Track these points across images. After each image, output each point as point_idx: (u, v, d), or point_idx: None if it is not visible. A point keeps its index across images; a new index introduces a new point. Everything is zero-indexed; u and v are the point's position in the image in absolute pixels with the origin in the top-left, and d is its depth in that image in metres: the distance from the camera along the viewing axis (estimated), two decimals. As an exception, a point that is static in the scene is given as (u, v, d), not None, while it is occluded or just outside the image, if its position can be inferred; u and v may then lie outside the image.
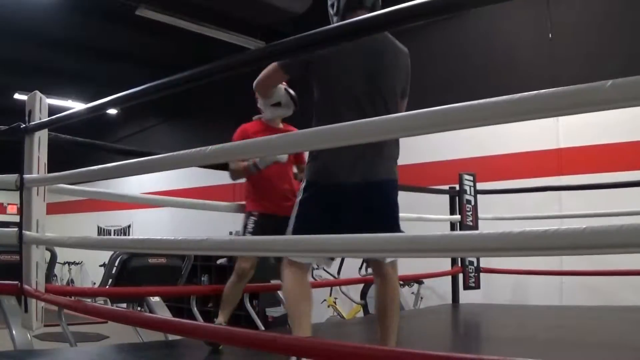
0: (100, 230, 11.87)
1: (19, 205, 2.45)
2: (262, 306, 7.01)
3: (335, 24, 1.47)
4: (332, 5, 2.28)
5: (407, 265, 5.27)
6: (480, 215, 4.84)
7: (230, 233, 8.35)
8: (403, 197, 4.02)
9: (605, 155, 5.24)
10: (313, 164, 2.20)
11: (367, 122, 1.40)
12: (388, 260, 2.19)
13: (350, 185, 2.13)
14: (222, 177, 9.85)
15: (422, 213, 4.34)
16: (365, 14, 1.90)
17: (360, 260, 5.56)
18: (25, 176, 2.38)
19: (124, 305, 4.48)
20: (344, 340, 3.02)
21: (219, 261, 8.57)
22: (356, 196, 2.14)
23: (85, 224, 11.97)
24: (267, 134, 2.77)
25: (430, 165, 3.70)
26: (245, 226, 3.18)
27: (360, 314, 6.29)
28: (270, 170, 3.10)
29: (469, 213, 4.83)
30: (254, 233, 3.08)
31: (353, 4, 2.18)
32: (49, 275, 3.66)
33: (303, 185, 2.23)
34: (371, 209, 2.15)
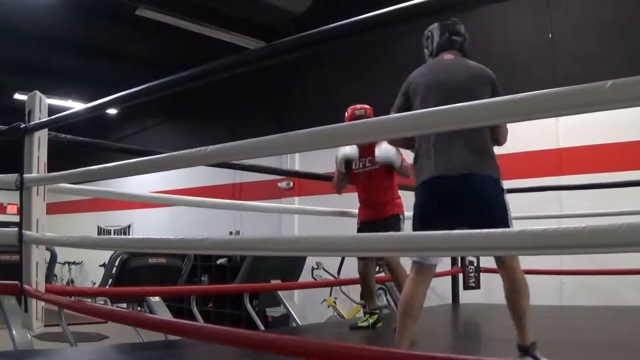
0: (100, 230, 11.87)
1: (19, 205, 2.45)
2: (262, 306, 7.00)
3: (333, 24, 1.48)
4: (427, 47, 2.52)
5: (407, 265, 5.27)
6: (480, 215, 4.83)
7: (230, 233, 8.36)
8: (404, 196, 4.03)
9: (605, 155, 5.24)
10: (414, 167, 2.40)
11: (367, 122, 1.40)
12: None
13: (435, 179, 2.26)
14: (222, 177, 9.89)
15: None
16: (455, 54, 2.41)
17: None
18: (25, 176, 2.38)
19: (124, 305, 4.48)
20: (344, 340, 3.03)
21: (219, 261, 8.58)
22: (446, 191, 2.25)
23: (85, 224, 11.97)
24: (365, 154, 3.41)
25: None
26: None
27: (360, 314, 6.29)
28: (360, 181, 3.53)
29: (469, 213, 4.82)
30: None
31: (444, 46, 2.44)
32: (49, 275, 3.66)
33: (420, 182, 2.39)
34: (461, 204, 2.24)
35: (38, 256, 2.41)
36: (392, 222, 3.37)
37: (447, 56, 2.43)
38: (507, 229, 1.15)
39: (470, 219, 2.17)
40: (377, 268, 5.29)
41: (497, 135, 2.43)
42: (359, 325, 3.41)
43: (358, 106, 3.45)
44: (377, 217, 3.44)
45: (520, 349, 2.19)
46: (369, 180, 3.52)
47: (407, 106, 2.37)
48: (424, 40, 2.54)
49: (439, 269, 5.14)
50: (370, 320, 3.45)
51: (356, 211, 4.31)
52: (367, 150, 3.43)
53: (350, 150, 3.37)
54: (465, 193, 2.23)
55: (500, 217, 2.24)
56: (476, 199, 2.24)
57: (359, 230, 3.54)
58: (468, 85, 2.31)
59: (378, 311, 3.57)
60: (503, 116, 1.24)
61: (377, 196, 3.47)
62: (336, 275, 6.50)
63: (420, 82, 2.36)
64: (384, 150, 3.25)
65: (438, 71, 2.39)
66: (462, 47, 2.47)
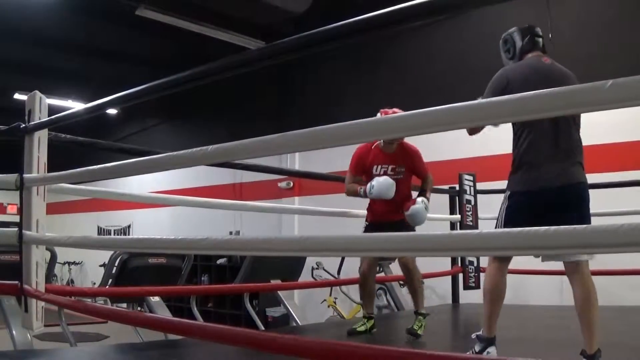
0: (100, 230, 11.87)
1: (19, 205, 2.45)
2: (262, 306, 7.00)
3: (333, 24, 1.48)
4: (507, 51, 2.62)
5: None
6: (480, 215, 4.84)
7: (231, 233, 8.36)
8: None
9: (605, 155, 5.24)
10: (514, 176, 2.49)
11: (368, 121, 1.40)
12: (581, 258, 2.30)
13: (549, 190, 2.36)
14: (222, 177, 9.89)
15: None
16: (538, 54, 2.47)
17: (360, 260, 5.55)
18: (25, 176, 2.38)
19: (124, 305, 4.47)
20: (344, 340, 3.03)
21: (219, 261, 8.58)
22: (554, 200, 2.36)
23: (85, 224, 11.97)
24: (380, 158, 3.35)
25: (430, 165, 3.70)
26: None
27: (360, 314, 6.29)
28: None
29: (469, 213, 4.83)
30: None
31: (527, 48, 2.52)
32: (49, 275, 3.66)
33: (507, 194, 2.52)
34: (567, 209, 2.37)
35: (38, 256, 2.41)
36: (407, 225, 3.28)
37: (545, 59, 2.48)
38: (507, 229, 1.15)
39: None
40: (378, 268, 5.29)
41: None
42: (357, 330, 3.39)
43: (389, 110, 3.33)
44: (391, 217, 3.33)
45: (584, 356, 2.17)
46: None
47: None
48: (502, 44, 2.65)
49: (439, 269, 5.16)
50: (368, 325, 3.42)
51: (356, 211, 4.31)
52: (390, 158, 3.36)
53: (387, 193, 3.24)
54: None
55: None
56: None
57: (367, 230, 3.44)
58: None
59: (374, 316, 3.54)
60: (505, 115, 1.24)
61: (394, 200, 3.34)
62: (336, 275, 6.50)
63: (527, 80, 2.36)
64: (416, 214, 3.25)
65: (542, 71, 2.41)
66: (544, 48, 2.54)
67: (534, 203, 2.37)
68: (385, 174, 3.33)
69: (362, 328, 3.39)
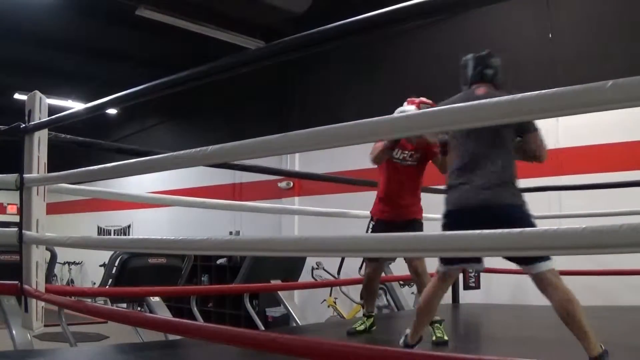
0: (100, 230, 11.87)
1: (19, 205, 2.45)
2: (262, 306, 7.01)
3: (333, 24, 1.48)
4: (462, 76, 2.67)
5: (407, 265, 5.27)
6: (480, 215, 4.82)
7: (230, 233, 8.36)
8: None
9: (605, 155, 5.24)
10: (448, 194, 2.52)
11: (369, 122, 1.40)
12: (540, 269, 2.31)
13: (477, 210, 2.40)
14: (222, 177, 9.88)
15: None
16: (487, 88, 2.52)
17: (360, 260, 5.56)
18: (25, 176, 2.37)
19: (124, 305, 4.48)
20: (344, 340, 3.03)
21: (219, 261, 8.58)
22: (482, 221, 2.31)
23: (85, 224, 11.98)
24: (402, 142, 3.28)
25: (430, 165, 3.70)
26: (367, 229, 3.41)
27: (360, 314, 6.29)
28: (391, 173, 3.35)
29: (469, 213, 4.82)
30: None
31: (476, 78, 2.59)
32: (49, 275, 3.66)
33: (443, 213, 2.53)
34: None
35: (38, 256, 2.41)
36: (416, 226, 3.27)
37: (480, 90, 2.52)
38: (508, 230, 1.15)
39: None
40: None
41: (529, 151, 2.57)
42: (357, 329, 3.38)
43: (416, 100, 3.27)
44: (399, 218, 3.30)
45: None
46: (402, 176, 3.34)
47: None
48: (461, 68, 2.69)
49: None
50: (367, 323, 3.42)
51: (356, 211, 4.31)
52: (411, 144, 3.32)
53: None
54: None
55: None
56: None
57: (375, 228, 3.37)
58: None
59: (374, 314, 3.53)
60: (504, 116, 1.24)
61: (404, 196, 3.33)
62: (336, 275, 6.50)
63: None
64: None
65: None
66: (492, 80, 2.58)
67: (458, 222, 2.44)
68: (404, 159, 3.32)
69: (362, 327, 3.39)
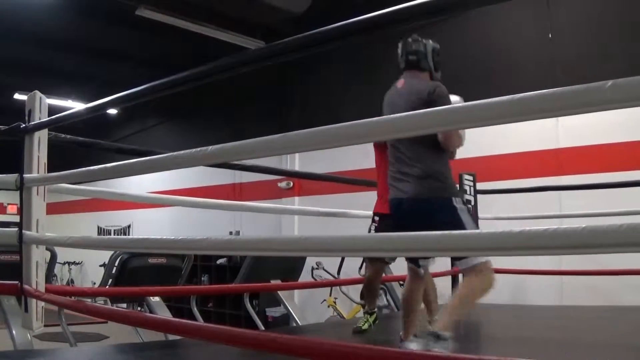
0: (100, 230, 11.87)
1: (19, 205, 2.45)
2: (262, 306, 7.00)
3: (333, 24, 1.49)
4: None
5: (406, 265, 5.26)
6: (480, 215, 4.84)
7: (230, 233, 8.36)
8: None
9: (605, 155, 5.24)
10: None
11: (369, 122, 1.40)
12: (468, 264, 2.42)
13: (395, 200, 2.48)
14: (222, 177, 9.87)
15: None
16: (409, 75, 2.55)
17: (360, 260, 5.55)
18: (25, 176, 2.37)
19: (124, 305, 4.48)
20: (344, 340, 3.03)
21: (219, 261, 8.58)
22: (400, 212, 2.46)
23: (85, 224, 11.97)
24: None
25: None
26: (369, 229, 3.41)
27: (360, 314, 6.28)
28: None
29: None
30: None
31: (401, 66, 2.61)
32: (49, 275, 3.66)
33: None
34: (413, 227, 2.39)
35: (38, 256, 2.41)
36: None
37: (400, 83, 2.57)
38: (508, 230, 1.15)
39: None
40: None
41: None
42: (362, 328, 3.39)
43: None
44: None
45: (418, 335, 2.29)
46: None
47: None
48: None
49: (439, 269, 5.15)
50: (370, 320, 3.45)
51: (356, 211, 4.31)
52: None
53: None
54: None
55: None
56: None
57: (379, 224, 3.37)
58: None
59: (376, 310, 3.55)
60: (503, 116, 1.24)
61: None
62: (336, 275, 6.50)
63: (384, 113, 2.58)
64: None
65: (390, 103, 2.60)
66: (418, 65, 2.55)
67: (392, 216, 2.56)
68: None
69: (366, 326, 3.40)
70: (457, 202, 2.40)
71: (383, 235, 1.38)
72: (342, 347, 1.35)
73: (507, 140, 5.62)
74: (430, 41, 2.64)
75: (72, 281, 11.80)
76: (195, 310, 4.07)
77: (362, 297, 6.30)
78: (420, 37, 2.60)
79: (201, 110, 9.83)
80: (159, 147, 4.19)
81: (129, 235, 10.83)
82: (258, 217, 7.58)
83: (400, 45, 2.59)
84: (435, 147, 2.44)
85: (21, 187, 2.38)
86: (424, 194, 2.39)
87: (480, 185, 4.89)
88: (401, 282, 5.36)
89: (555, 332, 3.42)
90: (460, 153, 2.87)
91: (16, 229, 2.39)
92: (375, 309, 3.55)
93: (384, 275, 5.04)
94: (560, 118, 5.06)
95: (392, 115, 1.46)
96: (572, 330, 3.49)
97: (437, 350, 2.17)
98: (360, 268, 5.81)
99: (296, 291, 6.42)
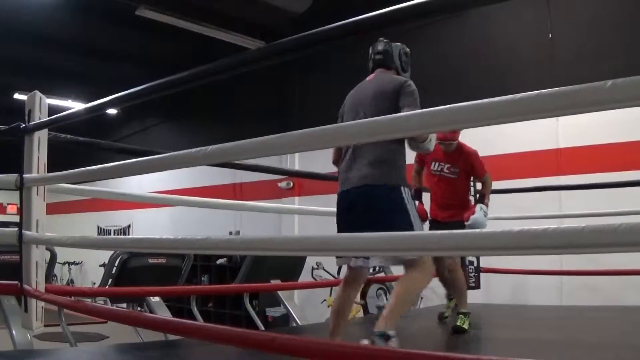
0: (100, 230, 11.87)
1: (19, 205, 2.45)
2: (262, 306, 7.00)
3: (334, 24, 1.49)
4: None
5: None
6: (480, 215, 4.82)
7: (230, 233, 8.36)
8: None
9: (605, 155, 5.24)
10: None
11: (367, 122, 1.40)
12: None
13: (342, 192, 2.54)
14: (222, 177, 9.87)
15: (422, 213, 4.34)
16: (378, 72, 2.72)
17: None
18: (25, 176, 2.37)
19: (124, 305, 4.48)
20: (344, 340, 3.03)
21: (219, 261, 8.57)
22: (348, 202, 2.51)
23: (85, 224, 11.97)
24: (439, 155, 3.50)
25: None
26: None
27: (360, 314, 6.29)
28: (434, 182, 3.60)
29: (469, 213, 4.82)
30: None
31: (370, 66, 2.80)
32: (49, 275, 3.66)
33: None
34: (360, 212, 2.47)
35: (38, 256, 2.41)
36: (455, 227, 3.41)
37: (369, 78, 2.70)
38: (508, 230, 1.15)
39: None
40: (378, 268, 5.30)
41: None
42: (464, 327, 3.35)
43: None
44: (456, 218, 3.47)
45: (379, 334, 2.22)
46: (443, 185, 3.58)
47: None
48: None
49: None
50: (467, 320, 3.38)
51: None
52: (448, 157, 3.50)
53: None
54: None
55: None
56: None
57: (431, 227, 3.59)
58: (367, 101, 2.56)
59: (469, 312, 3.46)
60: (503, 116, 1.24)
61: (452, 200, 3.56)
62: (336, 275, 6.50)
63: (344, 106, 2.73)
64: (475, 223, 3.35)
65: (353, 95, 2.71)
66: (384, 63, 2.74)
67: (339, 203, 2.59)
68: (441, 171, 3.54)
69: (465, 326, 3.37)
70: (405, 192, 2.44)
71: (383, 236, 1.38)
72: (342, 347, 1.35)
73: (507, 140, 5.62)
74: (399, 44, 2.81)
75: (72, 281, 11.80)
76: (195, 310, 4.07)
77: (362, 297, 6.30)
78: (388, 40, 2.79)
79: (201, 110, 9.83)
80: (159, 147, 4.19)
81: (129, 235, 10.84)
82: (258, 217, 7.58)
83: (370, 48, 2.79)
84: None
85: (21, 187, 2.38)
86: (374, 181, 2.42)
87: (480, 185, 4.88)
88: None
89: (555, 332, 3.42)
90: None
91: (16, 229, 2.39)
92: (469, 312, 3.47)
93: (384, 275, 5.06)
94: (560, 118, 5.07)
95: (391, 116, 1.46)
96: (572, 330, 3.49)
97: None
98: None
99: (296, 291, 6.42)
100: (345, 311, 2.65)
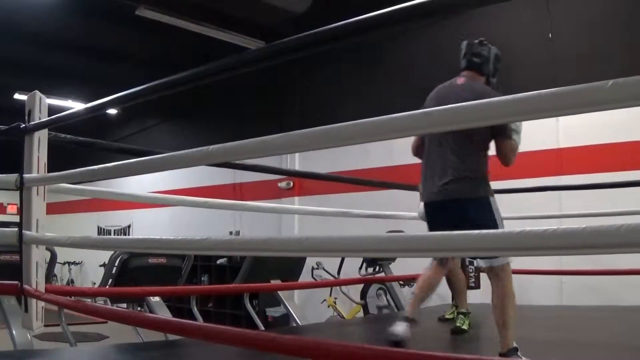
0: (100, 230, 11.87)
1: (19, 205, 2.45)
2: (262, 306, 7.00)
3: (334, 24, 1.49)
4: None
5: (407, 265, 5.27)
6: (480, 215, 4.82)
7: (230, 233, 8.36)
8: (404, 196, 4.03)
9: (605, 155, 5.24)
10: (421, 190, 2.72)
11: (368, 122, 1.40)
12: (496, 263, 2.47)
13: (431, 204, 2.60)
14: (222, 177, 9.87)
15: (422, 213, 4.34)
16: (469, 76, 2.66)
17: (360, 260, 5.56)
18: (25, 176, 2.37)
19: (124, 305, 4.47)
20: (344, 340, 3.03)
21: (219, 261, 8.58)
22: (437, 215, 2.57)
23: (85, 224, 11.97)
24: None
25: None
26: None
27: (360, 314, 6.29)
28: None
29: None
30: None
31: (462, 65, 2.72)
32: (49, 275, 3.65)
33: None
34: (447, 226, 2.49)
35: (38, 256, 2.41)
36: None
37: (460, 80, 2.63)
38: (507, 230, 1.15)
39: None
40: (378, 268, 5.30)
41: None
42: (462, 328, 3.36)
43: None
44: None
45: (501, 354, 2.25)
46: None
47: None
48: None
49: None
50: (467, 321, 3.39)
51: (356, 211, 4.32)
52: None
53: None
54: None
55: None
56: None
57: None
58: None
59: (469, 312, 3.47)
60: (503, 116, 1.24)
61: None
62: (336, 275, 6.50)
63: (427, 105, 2.61)
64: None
65: (440, 96, 2.62)
66: (480, 68, 2.66)
67: (428, 214, 2.67)
68: None
69: (465, 326, 3.38)
70: (493, 203, 2.53)
71: (382, 236, 1.38)
72: (341, 347, 1.34)
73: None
74: (494, 47, 2.75)
75: (72, 281, 11.80)
76: (195, 310, 4.07)
77: (362, 297, 6.30)
78: (487, 42, 2.73)
79: (201, 110, 9.83)
80: (159, 147, 4.18)
81: (129, 235, 10.83)
82: (258, 217, 7.58)
83: (464, 44, 2.70)
84: (483, 148, 2.56)
85: (21, 187, 2.38)
86: (463, 194, 2.49)
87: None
88: (401, 282, 5.37)
89: (555, 332, 3.42)
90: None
91: (16, 229, 2.39)
92: (469, 312, 3.48)
93: (384, 275, 5.06)
94: (560, 118, 5.07)
95: (391, 116, 1.46)
96: (572, 330, 3.49)
97: None
98: (360, 268, 5.81)
99: (296, 291, 6.42)
100: (431, 291, 2.80)
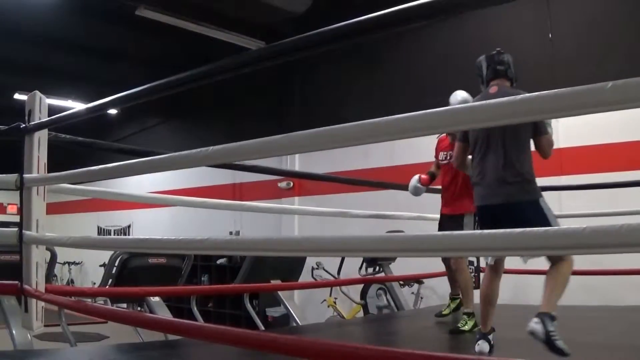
0: (100, 230, 11.87)
1: (19, 205, 2.45)
2: (262, 306, 7.00)
3: (334, 25, 1.49)
4: (479, 76, 2.90)
5: (407, 265, 5.27)
6: (480, 215, 4.82)
7: (230, 233, 8.36)
8: (404, 196, 4.02)
9: (605, 155, 5.24)
10: (474, 191, 2.76)
11: (368, 122, 1.40)
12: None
13: (484, 207, 2.66)
14: (222, 177, 9.86)
15: (422, 212, 4.34)
16: (500, 83, 2.75)
17: (360, 260, 5.56)
18: (25, 176, 2.37)
19: (124, 305, 4.47)
20: (344, 340, 3.03)
21: (219, 261, 8.58)
22: (494, 217, 2.62)
23: (85, 224, 11.97)
24: (446, 145, 3.69)
25: (431, 165, 3.74)
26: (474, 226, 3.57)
27: (360, 314, 6.29)
28: (442, 171, 3.74)
29: (469, 213, 4.82)
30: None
31: (490, 76, 2.82)
32: (49, 275, 3.65)
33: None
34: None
35: (38, 256, 2.41)
36: (459, 220, 3.47)
37: (492, 89, 2.72)
38: (507, 230, 1.15)
39: None
40: (378, 268, 5.30)
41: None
42: (462, 329, 3.36)
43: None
44: (452, 212, 3.56)
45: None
46: (447, 174, 3.64)
47: (467, 136, 2.78)
48: (476, 70, 2.92)
49: (439, 269, 5.15)
50: (471, 322, 3.38)
51: (356, 211, 4.32)
52: (453, 145, 3.47)
53: (412, 190, 3.70)
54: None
55: None
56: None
57: (439, 221, 3.71)
58: None
59: (473, 312, 3.44)
60: (504, 117, 1.24)
61: (449, 191, 3.62)
62: (336, 275, 6.50)
63: None
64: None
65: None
66: (506, 74, 2.81)
67: (483, 216, 2.73)
68: (445, 158, 3.65)
69: (466, 327, 3.38)
70: (543, 203, 2.57)
71: (382, 237, 1.38)
72: (341, 347, 1.34)
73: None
74: (509, 54, 2.92)
75: (72, 281, 11.80)
76: (195, 310, 4.07)
77: (362, 297, 6.31)
78: (503, 50, 2.91)
79: (201, 110, 9.83)
80: (159, 147, 4.19)
81: (129, 235, 10.83)
82: (258, 217, 7.58)
83: (484, 59, 2.88)
84: (529, 147, 2.64)
85: (21, 187, 2.38)
86: (518, 198, 2.56)
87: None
88: (401, 282, 5.37)
89: (555, 332, 3.41)
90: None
91: (16, 229, 2.39)
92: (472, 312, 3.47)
93: (384, 275, 5.06)
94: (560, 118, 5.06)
95: (391, 117, 1.46)
96: (572, 330, 3.48)
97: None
98: (360, 268, 5.81)
99: (296, 291, 6.42)
100: (495, 299, 2.89)
